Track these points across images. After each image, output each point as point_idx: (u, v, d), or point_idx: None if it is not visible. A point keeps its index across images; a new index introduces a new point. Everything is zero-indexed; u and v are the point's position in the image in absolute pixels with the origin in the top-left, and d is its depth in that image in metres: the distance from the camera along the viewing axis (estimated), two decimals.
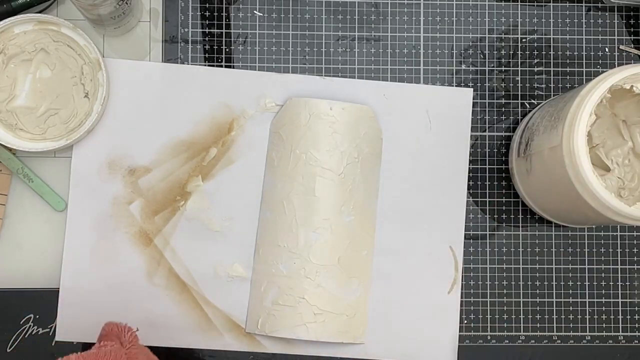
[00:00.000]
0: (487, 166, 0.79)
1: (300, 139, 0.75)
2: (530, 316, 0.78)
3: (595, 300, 0.78)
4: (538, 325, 0.78)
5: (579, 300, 0.78)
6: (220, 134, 0.77)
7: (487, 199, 0.78)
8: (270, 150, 0.76)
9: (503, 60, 0.79)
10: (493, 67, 0.79)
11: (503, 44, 0.79)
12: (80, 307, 0.76)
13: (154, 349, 0.76)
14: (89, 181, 0.76)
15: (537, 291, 0.78)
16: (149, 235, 0.76)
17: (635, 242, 0.78)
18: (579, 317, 0.78)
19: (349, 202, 0.75)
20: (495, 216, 0.78)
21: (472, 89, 0.78)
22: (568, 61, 0.79)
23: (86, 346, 0.76)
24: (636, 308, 0.78)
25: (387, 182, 0.77)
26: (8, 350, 0.76)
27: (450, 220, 0.77)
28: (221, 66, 0.78)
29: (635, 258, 0.78)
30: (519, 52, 0.79)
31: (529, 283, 0.78)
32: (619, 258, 0.78)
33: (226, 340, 0.76)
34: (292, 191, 0.74)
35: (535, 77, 0.79)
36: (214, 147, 0.77)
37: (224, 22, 0.78)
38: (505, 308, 0.78)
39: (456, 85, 0.79)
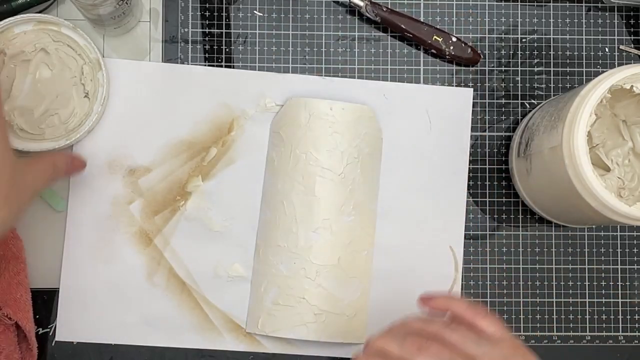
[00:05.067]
0: (487, 166, 0.79)
1: (300, 139, 0.75)
2: (530, 316, 0.78)
3: (595, 300, 0.78)
4: (538, 325, 0.78)
5: (579, 300, 0.78)
6: (220, 134, 0.77)
7: (487, 199, 0.78)
8: (271, 150, 0.76)
9: (503, 60, 0.79)
10: (493, 67, 0.79)
11: (503, 44, 0.79)
12: (80, 307, 0.76)
13: (154, 349, 0.76)
14: (89, 181, 0.76)
15: (537, 291, 0.78)
16: (149, 236, 0.76)
17: (635, 242, 0.78)
18: (579, 317, 0.78)
19: (349, 202, 0.75)
20: (495, 216, 0.78)
21: (472, 89, 0.78)
22: (568, 61, 0.79)
23: (86, 346, 0.76)
24: (636, 308, 0.78)
25: (387, 182, 0.77)
26: None
27: (451, 220, 0.77)
28: (221, 66, 0.78)
29: (635, 258, 0.78)
30: (519, 52, 0.79)
31: (529, 283, 0.78)
32: (619, 258, 0.78)
33: (226, 340, 0.76)
34: (292, 191, 0.74)
35: (535, 77, 0.79)
36: (214, 147, 0.77)
37: (224, 22, 0.78)
38: (505, 308, 0.78)
39: (456, 86, 0.79)
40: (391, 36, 0.79)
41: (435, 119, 0.77)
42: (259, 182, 0.77)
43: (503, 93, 0.79)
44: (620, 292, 0.78)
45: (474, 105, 0.78)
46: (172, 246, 0.76)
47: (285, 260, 0.74)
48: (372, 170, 0.76)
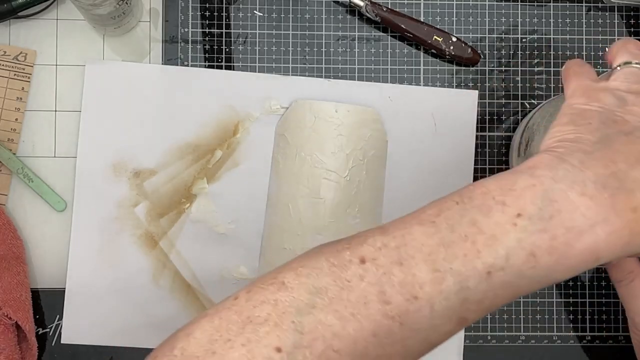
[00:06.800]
0: (487, 166, 0.79)
1: (305, 142, 0.75)
2: (530, 316, 0.78)
3: (596, 300, 0.78)
4: (538, 325, 0.78)
5: (579, 300, 0.78)
6: (225, 136, 0.77)
7: None
8: (276, 153, 0.76)
9: (503, 60, 0.79)
10: (493, 67, 0.79)
11: (503, 44, 0.79)
12: (86, 309, 0.75)
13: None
14: (94, 183, 0.76)
15: (537, 291, 0.78)
16: (155, 238, 0.76)
17: None
18: (579, 317, 0.78)
19: (354, 204, 0.75)
20: None
21: (477, 91, 0.78)
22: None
23: (91, 348, 0.76)
24: None
25: (393, 185, 0.77)
26: None
27: None
28: (221, 66, 0.78)
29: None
30: (519, 52, 0.79)
31: None
32: None
33: None
34: (297, 194, 0.74)
35: (535, 77, 0.79)
36: (219, 149, 0.77)
37: (224, 22, 0.78)
38: (505, 308, 0.78)
39: (456, 86, 0.79)
40: (391, 36, 0.79)
41: (441, 121, 0.77)
42: (264, 185, 0.77)
43: (503, 93, 0.79)
44: None
45: None
46: (178, 248, 0.76)
47: None
48: (377, 172, 0.76)
